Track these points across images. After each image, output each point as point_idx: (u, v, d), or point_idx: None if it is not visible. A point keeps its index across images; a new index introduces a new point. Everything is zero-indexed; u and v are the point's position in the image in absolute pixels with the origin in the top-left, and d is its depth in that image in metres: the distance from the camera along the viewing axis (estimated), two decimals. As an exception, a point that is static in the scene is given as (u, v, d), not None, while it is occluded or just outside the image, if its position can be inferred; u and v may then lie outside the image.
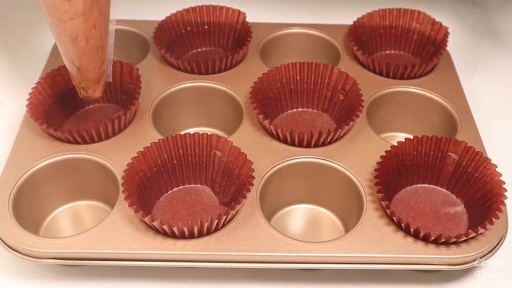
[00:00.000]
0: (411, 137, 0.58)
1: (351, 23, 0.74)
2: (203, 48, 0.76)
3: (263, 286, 0.56)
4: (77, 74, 0.57)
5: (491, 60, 0.84)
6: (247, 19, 0.74)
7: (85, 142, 0.60)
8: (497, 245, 0.53)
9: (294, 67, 0.65)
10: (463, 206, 0.58)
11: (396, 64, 0.68)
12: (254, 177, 0.54)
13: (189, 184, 0.59)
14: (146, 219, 0.51)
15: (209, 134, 0.57)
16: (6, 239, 0.52)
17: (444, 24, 0.73)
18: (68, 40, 0.54)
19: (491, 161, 0.56)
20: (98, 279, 0.57)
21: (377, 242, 0.52)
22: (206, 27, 0.75)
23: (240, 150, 0.56)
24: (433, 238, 0.52)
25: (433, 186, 0.60)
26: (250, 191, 0.53)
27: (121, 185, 0.53)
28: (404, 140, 0.58)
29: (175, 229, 0.51)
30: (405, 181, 0.59)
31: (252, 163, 0.55)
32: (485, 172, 0.56)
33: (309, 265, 0.52)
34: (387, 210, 0.53)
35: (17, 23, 0.88)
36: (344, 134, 0.62)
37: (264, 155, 0.59)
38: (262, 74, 0.64)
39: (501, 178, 0.55)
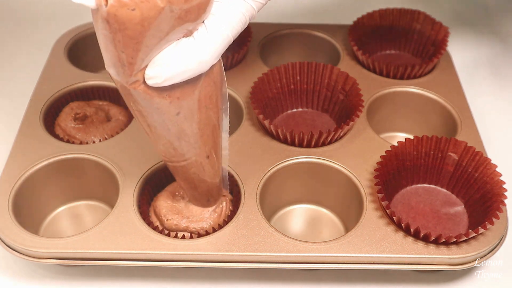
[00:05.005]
0: (411, 137, 0.58)
1: (351, 23, 0.74)
2: (203, 48, 0.76)
3: (263, 286, 0.56)
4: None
5: (491, 60, 0.84)
6: (247, 19, 0.74)
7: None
8: (497, 245, 0.53)
9: (294, 67, 0.65)
10: (463, 206, 0.58)
11: (396, 64, 0.68)
12: None
13: None
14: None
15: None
16: (6, 239, 0.52)
17: (444, 24, 0.73)
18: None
19: (491, 161, 0.56)
20: (98, 279, 0.57)
21: (377, 242, 0.52)
22: (206, 27, 0.74)
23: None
24: (433, 238, 0.52)
25: (433, 186, 0.60)
26: None
27: None
28: (404, 140, 0.58)
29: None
30: (405, 181, 0.59)
31: None
32: (485, 172, 0.56)
33: (309, 265, 0.52)
34: (387, 210, 0.53)
35: (17, 23, 0.88)
36: (344, 134, 0.62)
37: (264, 155, 0.59)
38: (262, 74, 0.64)
39: (501, 178, 0.55)
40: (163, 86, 0.41)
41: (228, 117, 0.50)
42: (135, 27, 0.37)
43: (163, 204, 0.55)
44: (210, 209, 0.55)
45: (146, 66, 0.40)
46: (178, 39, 0.40)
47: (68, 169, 0.59)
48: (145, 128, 0.46)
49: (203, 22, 0.41)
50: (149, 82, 0.40)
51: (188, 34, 0.41)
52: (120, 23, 0.37)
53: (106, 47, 0.39)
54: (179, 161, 0.49)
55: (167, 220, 0.54)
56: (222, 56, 0.68)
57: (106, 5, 0.36)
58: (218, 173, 0.52)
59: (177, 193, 0.56)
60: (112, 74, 0.41)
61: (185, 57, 0.40)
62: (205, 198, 0.54)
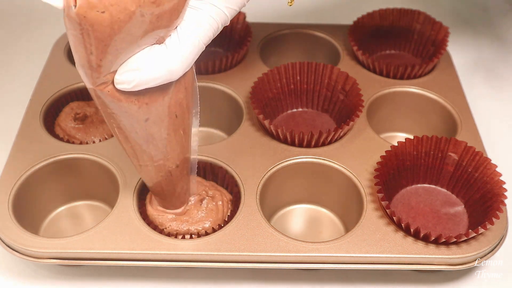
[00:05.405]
0: (411, 137, 0.58)
1: (351, 23, 0.74)
2: (203, 48, 0.76)
3: (263, 286, 0.56)
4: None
5: (491, 60, 0.84)
6: (247, 19, 0.74)
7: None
8: (497, 245, 0.53)
9: (294, 67, 0.65)
10: (463, 206, 0.58)
11: (396, 64, 0.68)
12: None
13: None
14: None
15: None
16: (6, 239, 0.52)
17: (444, 24, 0.73)
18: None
19: (491, 161, 0.56)
20: (98, 279, 0.57)
21: (377, 242, 0.52)
22: (206, 27, 0.74)
23: None
24: (433, 238, 0.52)
25: (433, 186, 0.60)
26: None
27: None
28: (404, 140, 0.58)
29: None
30: (405, 181, 0.59)
31: None
32: (485, 172, 0.56)
33: (309, 265, 0.52)
34: (387, 210, 0.53)
35: (17, 24, 0.88)
36: (344, 134, 0.62)
37: (264, 155, 0.59)
38: (262, 74, 0.64)
39: (501, 178, 0.55)
40: (131, 91, 0.41)
41: (198, 120, 0.50)
42: (104, 29, 0.37)
43: (159, 214, 0.55)
44: (203, 207, 0.55)
45: (115, 69, 0.40)
46: (151, 45, 0.40)
47: (68, 169, 0.59)
48: (116, 129, 0.45)
49: (175, 28, 0.41)
50: (118, 86, 0.41)
51: (161, 40, 0.41)
52: (89, 25, 0.36)
53: (75, 47, 0.39)
54: (147, 164, 0.49)
55: (165, 228, 0.54)
56: (222, 55, 0.68)
57: (75, 6, 0.36)
58: (186, 177, 0.52)
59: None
60: (81, 75, 0.41)
61: (157, 65, 0.40)
62: (172, 201, 0.53)
